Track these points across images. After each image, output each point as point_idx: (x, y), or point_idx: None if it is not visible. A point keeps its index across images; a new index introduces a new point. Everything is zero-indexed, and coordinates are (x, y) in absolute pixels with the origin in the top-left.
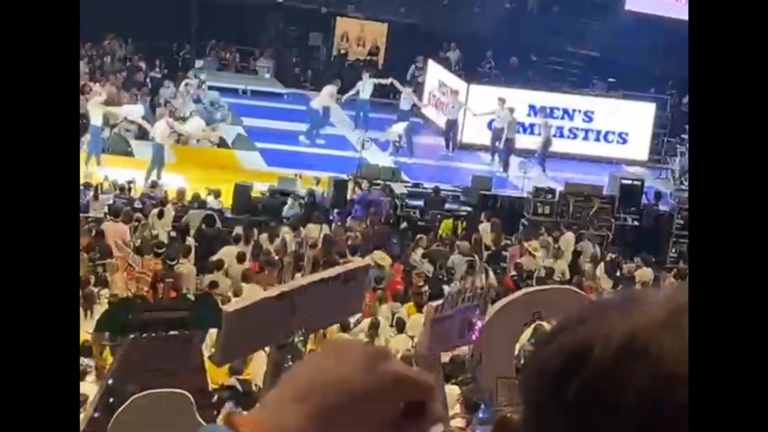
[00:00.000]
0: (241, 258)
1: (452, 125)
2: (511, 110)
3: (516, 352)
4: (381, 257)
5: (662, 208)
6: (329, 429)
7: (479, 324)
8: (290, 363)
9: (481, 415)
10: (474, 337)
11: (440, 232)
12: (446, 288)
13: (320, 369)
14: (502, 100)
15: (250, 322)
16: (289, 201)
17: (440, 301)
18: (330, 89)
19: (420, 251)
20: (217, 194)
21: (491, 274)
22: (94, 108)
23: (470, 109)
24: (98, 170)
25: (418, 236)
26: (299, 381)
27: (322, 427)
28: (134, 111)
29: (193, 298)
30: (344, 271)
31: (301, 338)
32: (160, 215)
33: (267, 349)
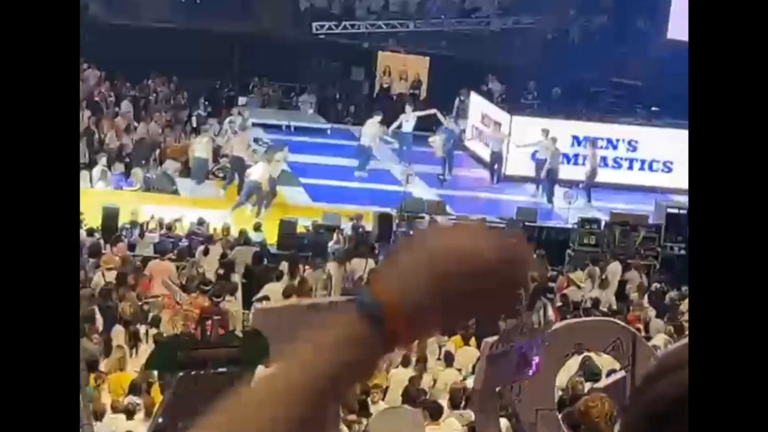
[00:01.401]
0: (286, 294)
1: (496, 157)
2: (554, 140)
3: (564, 384)
4: None
5: None
6: (455, 296)
7: (537, 360)
8: None
9: None
10: (532, 373)
11: None
12: (501, 323)
13: (453, 240)
14: (545, 131)
15: (277, 324)
16: (334, 236)
17: (496, 337)
18: (374, 122)
19: None
20: (261, 231)
21: (549, 309)
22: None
23: (513, 141)
24: (145, 209)
25: None
26: (431, 248)
27: (449, 295)
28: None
29: (240, 335)
30: None
31: None
32: (206, 252)
33: None
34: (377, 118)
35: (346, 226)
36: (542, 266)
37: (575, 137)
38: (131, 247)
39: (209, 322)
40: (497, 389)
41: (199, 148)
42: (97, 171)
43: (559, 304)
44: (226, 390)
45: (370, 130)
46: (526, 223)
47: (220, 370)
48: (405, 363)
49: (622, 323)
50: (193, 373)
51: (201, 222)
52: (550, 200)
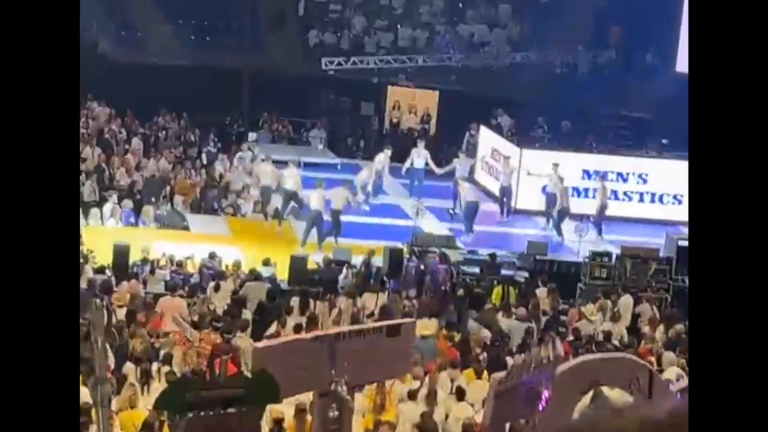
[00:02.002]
0: (297, 329)
1: (506, 191)
2: (561, 179)
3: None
4: (425, 326)
5: None
6: None
7: (546, 394)
8: (336, 413)
9: None
10: (542, 408)
11: (492, 299)
12: (509, 359)
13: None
14: (555, 165)
15: (281, 362)
16: (344, 271)
17: (504, 373)
18: (382, 156)
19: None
20: (270, 265)
21: (558, 344)
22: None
23: (524, 169)
24: (156, 245)
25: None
26: None
27: None
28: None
29: (249, 375)
30: (387, 324)
31: (344, 387)
32: (217, 289)
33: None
34: (387, 152)
35: (357, 262)
36: (553, 299)
37: (585, 170)
38: (142, 284)
39: (218, 361)
40: (508, 425)
41: (290, 181)
42: (107, 208)
43: (570, 337)
44: (234, 430)
45: (376, 165)
46: (537, 257)
47: (229, 410)
48: (415, 397)
49: (638, 359)
50: (201, 414)
51: (212, 256)
52: (560, 233)
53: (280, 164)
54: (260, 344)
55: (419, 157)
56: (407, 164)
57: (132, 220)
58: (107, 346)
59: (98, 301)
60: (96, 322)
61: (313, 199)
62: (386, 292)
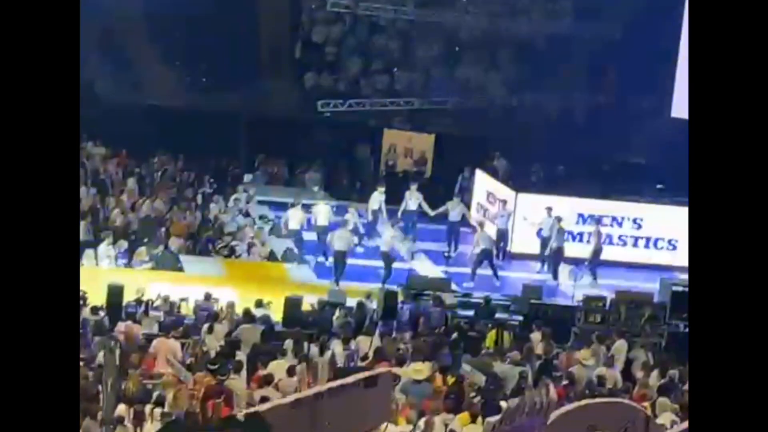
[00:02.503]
0: (291, 372)
1: (502, 235)
2: (558, 219)
3: None
4: (416, 369)
5: None
6: None
7: None
8: None
9: None
10: None
11: (486, 343)
12: (503, 403)
13: None
14: (549, 209)
15: (263, 429)
16: (338, 313)
17: (498, 417)
18: (376, 196)
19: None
20: (265, 306)
21: (552, 388)
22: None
23: (520, 215)
24: (150, 286)
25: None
26: None
27: None
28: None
29: (242, 419)
30: (364, 377)
31: None
32: (211, 330)
33: None
34: (381, 189)
35: (352, 304)
36: (548, 343)
37: (580, 215)
38: (136, 323)
39: (210, 403)
40: None
41: (321, 217)
42: (102, 249)
43: (564, 382)
44: None
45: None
46: (532, 301)
47: None
48: None
49: (635, 404)
50: None
51: (208, 297)
52: (555, 277)
53: (275, 209)
54: (239, 413)
55: (412, 199)
56: (402, 207)
57: (126, 261)
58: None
59: (112, 342)
60: (108, 363)
61: (321, 215)
62: (380, 335)
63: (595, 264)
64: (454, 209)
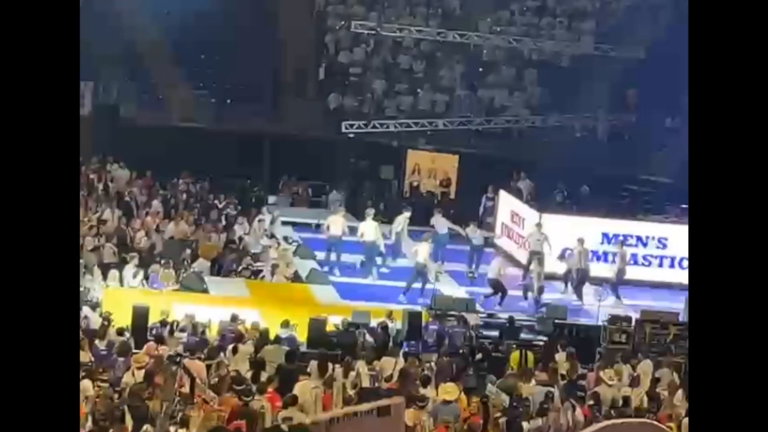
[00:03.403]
0: (316, 393)
1: (535, 256)
2: (581, 241)
3: None
4: (446, 390)
5: None
6: None
7: None
8: None
9: None
10: None
11: (510, 363)
12: (525, 424)
13: None
14: (581, 241)
15: None
16: (364, 334)
17: None
18: (400, 219)
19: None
20: (290, 327)
21: (578, 410)
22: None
23: (548, 243)
24: (175, 308)
25: None
26: None
27: None
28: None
29: None
30: (377, 405)
31: None
32: (235, 351)
33: None
34: (406, 214)
35: (376, 324)
36: (572, 364)
37: (605, 234)
38: (161, 344)
39: (235, 424)
40: None
41: (368, 231)
42: (127, 271)
43: (590, 402)
44: None
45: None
46: (556, 321)
47: None
48: None
49: (660, 425)
50: None
51: (234, 318)
52: (580, 297)
53: (299, 230)
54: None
55: (438, 224)
56: (429, 236)
57: (151, 282)
58: (125, 408)
59: (173, 368)
60: (167, 389)
61: (421, 252)
62: (405, 356)
63: (620, 284)
64: (474, 233)
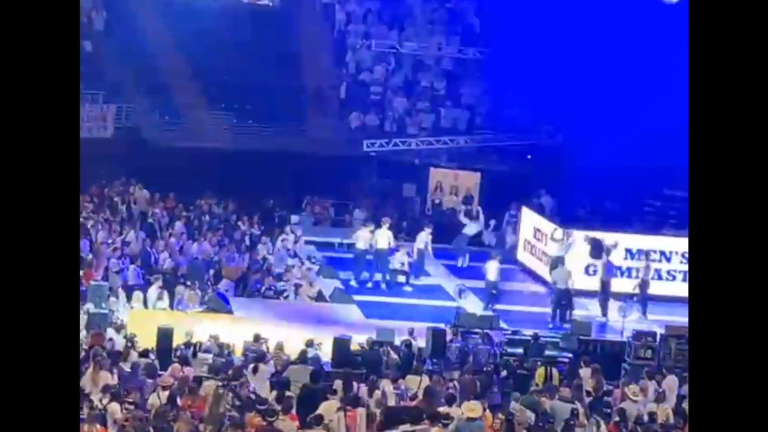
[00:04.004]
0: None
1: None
2: (608, 251)
3: None
4: (470, 408)
5: None
6: None
7: None
8: None
9: None
10: None
11: (535, 380)
12: None
13: None
14: (606, 251)
15: None
16: (388, 352)
17: None
18: (423, 236)
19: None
20: (314, 346)
21: (603, 426)
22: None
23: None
24: (199, 328)
25: None
26: None
27: None
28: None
29: None
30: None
31: None
32: (257, 371)
33: None
34: (428, 230)
35: (400, 343)
36: (598, 380)
37: (628, 250)
38: (186, 365)
39: None
40: None
41: (381, 239)
42: (152, 292)
43: (616, 418)
44: None
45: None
46: (581, 337)
47: None
48: None
49: None
50: None
51: (257, 338)
52: (604, 314)
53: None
54: None
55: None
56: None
57: (176, 303)
58: (150, 430)
59: (221, 390)
60: (214, 413)
61: (491, 271)
62: (429, 374)
63: (644, 297)
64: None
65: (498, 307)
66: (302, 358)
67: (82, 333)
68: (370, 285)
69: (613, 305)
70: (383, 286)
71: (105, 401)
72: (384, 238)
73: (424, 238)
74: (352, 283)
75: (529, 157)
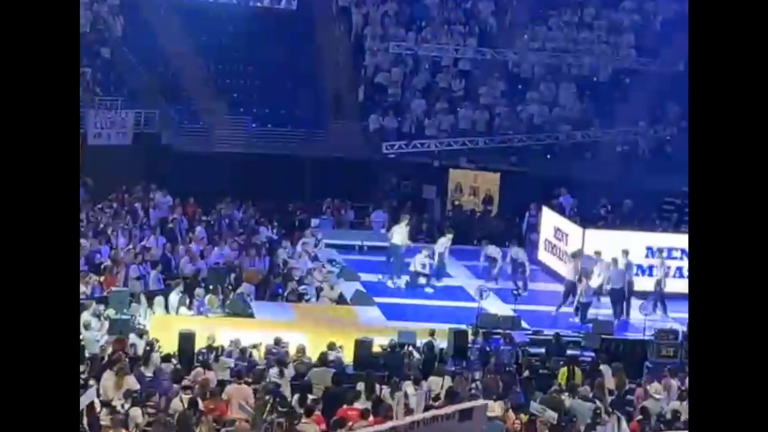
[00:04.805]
0: (364, 414)
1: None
2: (626, 253)
3: None
4: (490, 408)
5: None
6: None
7: None
8: None
9: None
10: None
11: (558, 379)
12: None
13: None
14: (625, 252)
15: None
16: (411, 354)
17: None
18: (443, 241)
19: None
20: (336, 349)
21: (624, 423)
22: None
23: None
24: (221, 333)
25: None
26: None
27: None
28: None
29: None
30: (459, 408)
31: None
32: (281, 374)
33: None
34: (449, 236)
35: (422, 344)
36: (620, 378)
37: (649, 248)
38: (208, 370)
39: None
40: None
41: (397, 235)
42: (173, 297)
43: (639, 417)
44: None
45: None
46: (603, 336)
47: None
48: None
49: None
50: None
51: (278, 342)
52: (625, 313)
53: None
54: None
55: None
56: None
57: (197, 308)
58: None
59: (267, 397)
60: (259, 422)
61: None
62: (451, 375)
63: (663, 297)
64: (517, 254)
65: (520, 307)
66: (324, 360)
67: (105, 338)
68: (393, 285)
69: (634, 303)
70: (403, 286)
71: (126, 406)
72: (401, 233)
73: (444, 242)
74: (389, 283)
75: (548, 156)
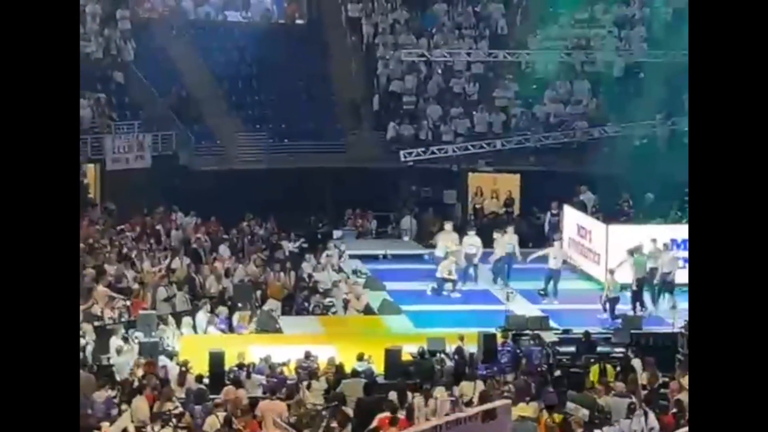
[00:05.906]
0: (393, 421)
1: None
2: (654, 241)
3: None
4: (523, 409)
5: None
6: None
7: None
8: None
9: None
10: None
11: (590, 377)
12: None
13: None
14: (653, 240)
15: None
16: (442, 361)
17: None
18: (466, 240)
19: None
20: (367, 360)
21: (651, 415)
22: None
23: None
24: (250, 350)
25: None
26: None
27: None
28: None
29: None
30: (482, 409)
31: None
32: (310, 388)
33: None
34: (472, 233)
35: (451, 350)
36: (652, 373)
37: (674, 240)
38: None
39: None
40: None
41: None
42: (200, 317)
43: (674, 410)
44: None
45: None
46: (633, 331)
47: None
48: None
49: None
50: None
51: (308, 356)
52: (655, 306)
53: (367, 262)
54: None
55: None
56: (495, 256)
57: (225, 326)
58: None
59: (323, 412)
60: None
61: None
62: (483, 379)
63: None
64: (556, 255)
65: (547, 307)
66: (354, 371)
67: (134, 359)
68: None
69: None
70: (430, 293)
71: (157, 428)
72: (451, 240)
73: (468, 241)
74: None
75: (566, 155)
